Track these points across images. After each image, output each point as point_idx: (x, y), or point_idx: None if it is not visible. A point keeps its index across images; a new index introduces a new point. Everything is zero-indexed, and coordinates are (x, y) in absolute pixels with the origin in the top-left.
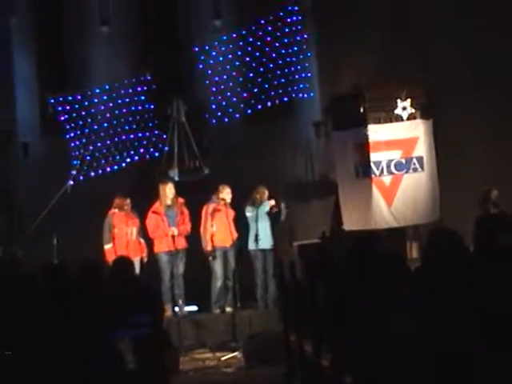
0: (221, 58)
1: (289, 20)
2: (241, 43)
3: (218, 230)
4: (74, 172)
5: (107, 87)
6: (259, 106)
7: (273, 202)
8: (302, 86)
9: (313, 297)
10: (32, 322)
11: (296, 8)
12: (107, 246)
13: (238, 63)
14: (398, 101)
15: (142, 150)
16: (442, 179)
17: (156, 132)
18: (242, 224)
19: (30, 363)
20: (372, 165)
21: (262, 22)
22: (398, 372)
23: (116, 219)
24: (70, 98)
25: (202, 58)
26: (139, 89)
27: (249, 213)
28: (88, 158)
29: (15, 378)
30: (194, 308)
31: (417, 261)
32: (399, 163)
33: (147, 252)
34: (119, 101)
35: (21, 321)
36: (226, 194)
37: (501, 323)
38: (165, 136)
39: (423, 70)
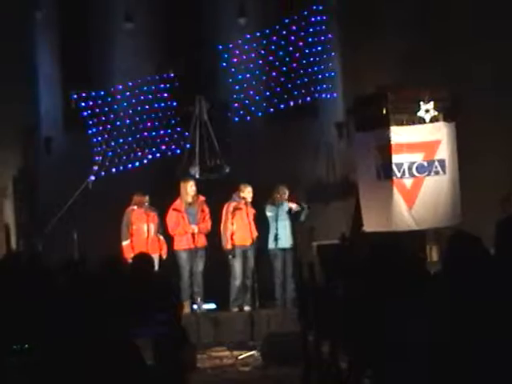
0: (244, 57)
1: (313, 20)
2: (264, 42)
3: (238, 229)
4: (95, 168)
5: (130, 84)
6: (282, 106)
7: (293, 206)
8: (324, 86)
9: (331, 298)
10: (51, 317)
11: (320, 7)
12: (125, 243)
13: (261, 62)
14: (421, 103)
15: (163, 147)
16: (463, 182)
17: (178, 129)
18: (262, 223)
19: (48, 357)
20: (393, 167)
21: (287, 21)
22: (416, 377)
23: (134, 216)
24: (93, 93)
25: (226, 56)
26: (162, 86)
27: (269, 212)
28: (110, 154)
29: (32, 371)
30: (212, 306)
31: (437, 264)
32: (421, 166)
33: (166, 249)
34: (142, 97)
35: (39, 315)
36: (248, 193)
37: None
38: (187, 134)
39: (446, 73)
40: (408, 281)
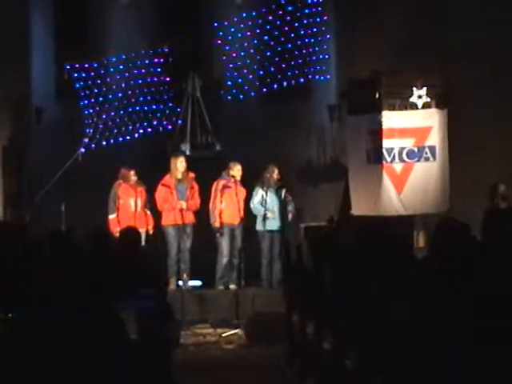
0: (239, 35)
1: (309, 1)
2: (260, 21)
3: (227, 207)
4: (86, 140)
5: (124, 57)
6: (275, 86)
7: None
8: (318, 68)
9: (318, 279)
10: (36, 287)
11: None
12: (111, 216)
13: (256, 41)
14: (414, 89)
15: (155, 123)
16: (453, 170)
17: (170, 105)
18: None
19: (33, 327)
20: (384, 151)
21: (283, 1)
22: (400, 356)
23: (121, 190)
24: (86, 65)
25: (221, 33)
26: (156, 61)
27: (259, 190)
28: (101, 126)
29: (17, 340)
30: (198, 283)
31: (423, 250)
32: (411, 151)
33: (153, 224)
34: (135, 71)
35: (25, 284)
36: (237, 171)
37: (505, 314)
38: (179, 110)
39: (441, 59)
40: (394, 264)
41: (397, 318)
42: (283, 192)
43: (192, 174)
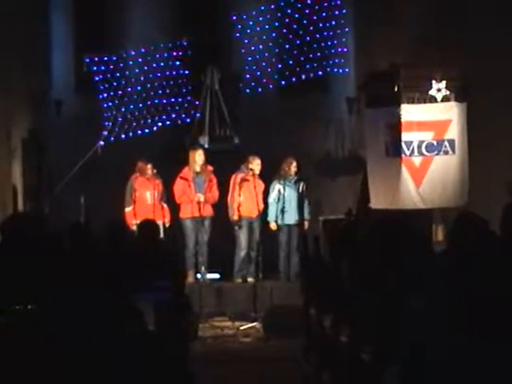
0: (258, 28)
1: None
2: (279, 14)
3: (245, 201)
4: (105, 133)
5: (143, 50)
6: (293, 79)
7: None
8: (337, 61)
9: (335, 272)
10: (55, 279)
11: None
12: (128, 209)
13: (274, 34)
14: (433, 82)
15: (173, 116)
16: (472, 163)
17: (189, 98)
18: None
19: (51, 319)
20: (403, 144)
21: None
22: (418, 349)
23: (138, 183)
24: (106, 58)
25: (240, 26)
26: (174, 54)
27: (278, 185)
28: (120, 119)
29: (35, 332)
30: (216, 276)
31: (442, 243)
32: (430, 145)
33: (171, 217)
34: (154, 65)
35: (44, 276)
36: (256, 165)
37: None
38: (197, 103)
39: (460, 52)
40: (412, 258)
41: (415, 311)
42: (301, 185)
43: (210, 167)
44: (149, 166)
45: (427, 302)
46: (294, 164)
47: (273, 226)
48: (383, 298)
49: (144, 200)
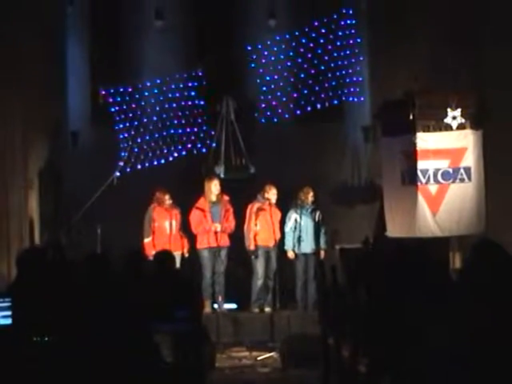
0: (273, 58)
1: (343, 23)
2: (294, 44)
3: (262, 230)
4: (121, 163)
5: (158, 81)
6: (309, 108)
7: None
8: (352, 89)
9: (353, 301)
10: (73, 310)
11: (350, 11)
12: (147, 240)
13: (289, 63)
14: (449, 110)
15: (189, 145)
16: (489, 191)
17: (204, 128)
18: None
19: (69, 350)
20: (419, 172)
21: (316, 23)
22: (436, 380)
23: (156, 213)
24: (121, 89)
25: (255, 56)
26: (190, 84)
27: (295, 214)
28: (136, 150)
29: (54, 364)
30: (233, 306)
31: (459, 271)
32: (446, 172)
33: (189, 247)
34: (169, 95)
35: (62, 308)
36: (272, 194)
37: None
38: (213, 132)
39: (475, 80)
40: (431, 286)
41: (436, 343)
42: (317, 214)
43: (226, 197)
44: (167, 196)
45: (448, 335)
46: (311, 193)
47: (290, 254)
48: (401, 328)
49: (163, 230)
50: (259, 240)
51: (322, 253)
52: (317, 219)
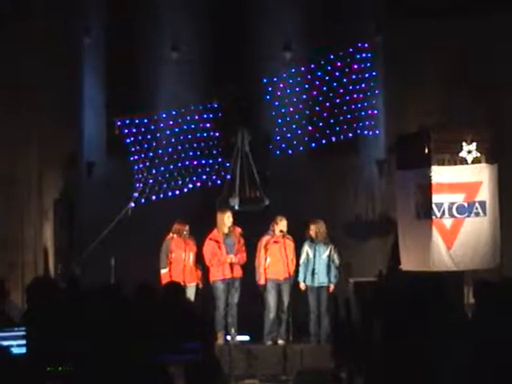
0: (288, 91)
1: (358, 56)
2: (309, 77)
3: (273, 263)
4: (135, 194)
5: (173, 112)
6: (323, 141)
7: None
8: (367, 123)
9: (366, 335)
10: (86, 341)
11: (366, 45)
12: (163, 271)
13: (304, 96)
14: (464, 144)
15: (204, 177)
16: (504, 225)
17: (219, 160)
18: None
19: (82, 381)
20: (434, 206)
21: (332, 56)
22: None
23: (174, 244)
24: (137, 120)
25: (270, 89)
26: (205, 116)
27: (307, 247)
28: (150, 181)
29: None
30: (246, 338)
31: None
32: (461, 206)
33: (203, 279)
34: (185, 127)
35: (76, 338)
36: (282, 226)
37: None
38: (227, 164)
39: (490, 114)
40: (447, 322)
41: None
42: (330, 247)
43: (239, 229)
44: (186, 227)
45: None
46: (323, 226)
47: (302, 286)
48: (415, 363)
49: (179, 261)
50: (270, 273)
51: (332, 286)
52: (330, 252)
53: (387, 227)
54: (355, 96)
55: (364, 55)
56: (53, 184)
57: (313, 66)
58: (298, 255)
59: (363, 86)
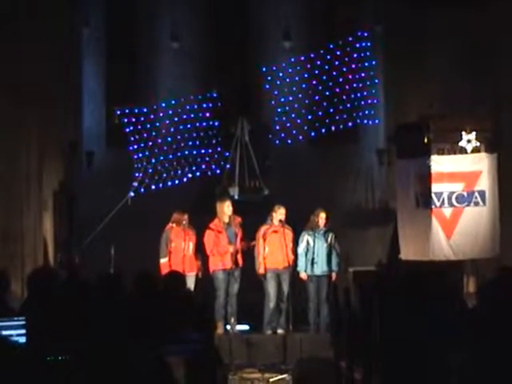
0: (288, 80)
1: (358, 46)
2: (308, 66)
3: (272, 252)
4: (135, 184)
5: (173, 102)
6: (323, 130)
7: (330, 235)
8: (367, 112)
9: (367, 324)
10: (84, 330)
11: (366, 34)
12: (163, 260)
13: (304, 86)
14: (463, 133)
15: (203, 167)
16: (503, 214)
17: (219, 149)
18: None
19: (82, 370)
20: (433, 196)
21: (331, 46)
22: None
23: (173, 234)
24: (136, 110)
25: (269, 78)
26: (205, 105)
27: (307, 236)
28: (150, 170)
29: (67, 383)
30: (245, 327)
31: (473, 295)
32: (461, 196)
33: (203, 269)
34: (184, 116)
35: (75, 327)
36: (280, 214)
37: None
38: (227, 154)
39: (490, 104)
40: (446, 311)
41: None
42: (330, 236)
43: (238, 218)
44: (185, 217)
45: (470, 361)
46: (323, 216)
47: (303, 275)
48: (414, 351)
49: (179, 251)
50: (269, 263)
51: (334, 275)
52: (330, 241)
53: (387, 216)
54: (355, 85)
55: (364, 44)
56: (52, 175)
57: (312, 55)
58: (296, 244)
59: (363, 75)
